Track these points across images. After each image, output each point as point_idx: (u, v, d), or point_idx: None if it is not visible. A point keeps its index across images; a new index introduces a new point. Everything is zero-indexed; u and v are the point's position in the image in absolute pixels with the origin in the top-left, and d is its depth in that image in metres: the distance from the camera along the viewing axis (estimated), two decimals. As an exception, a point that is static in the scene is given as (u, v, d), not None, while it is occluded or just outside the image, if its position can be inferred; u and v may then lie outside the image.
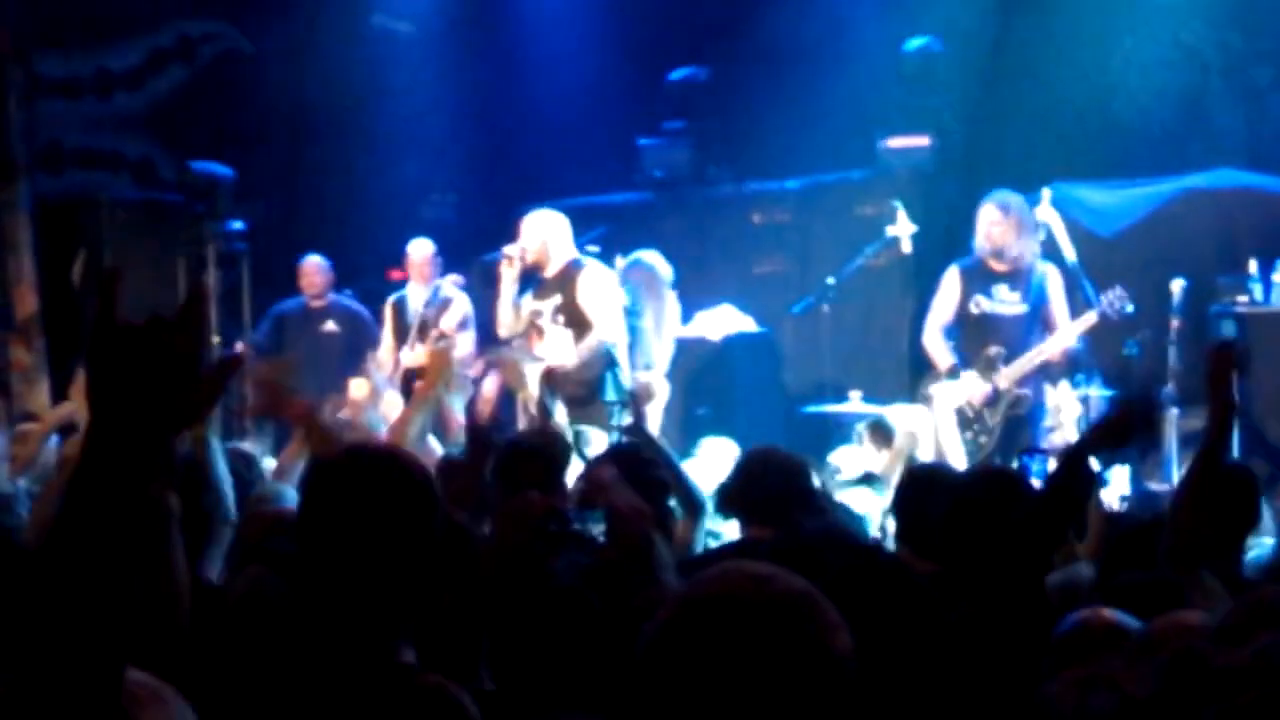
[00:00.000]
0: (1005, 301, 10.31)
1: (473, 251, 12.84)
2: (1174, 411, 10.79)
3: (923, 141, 12.83)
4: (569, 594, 3.98)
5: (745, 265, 13.57)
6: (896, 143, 12.91)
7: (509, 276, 10.52)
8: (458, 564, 3.84)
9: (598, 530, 4.89)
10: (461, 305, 12.03)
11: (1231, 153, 12.77)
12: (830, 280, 11.32)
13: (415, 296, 12.12)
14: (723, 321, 12.59)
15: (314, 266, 12.55)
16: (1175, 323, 10.76)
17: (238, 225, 12.91)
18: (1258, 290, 11.09)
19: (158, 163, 14.01)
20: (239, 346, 12.53)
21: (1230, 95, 13.20)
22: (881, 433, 9.26)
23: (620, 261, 11.70)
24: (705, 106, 13.92)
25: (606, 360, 10.23)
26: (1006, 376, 10.20)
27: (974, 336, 10.41)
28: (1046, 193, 11.55)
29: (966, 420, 10.19)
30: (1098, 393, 10.74)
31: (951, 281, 10.50)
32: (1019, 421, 10.24)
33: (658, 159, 13.97)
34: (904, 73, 13.07)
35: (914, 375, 11.30)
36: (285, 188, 13.97)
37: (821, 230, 13.21)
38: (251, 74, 14.54)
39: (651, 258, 11.85)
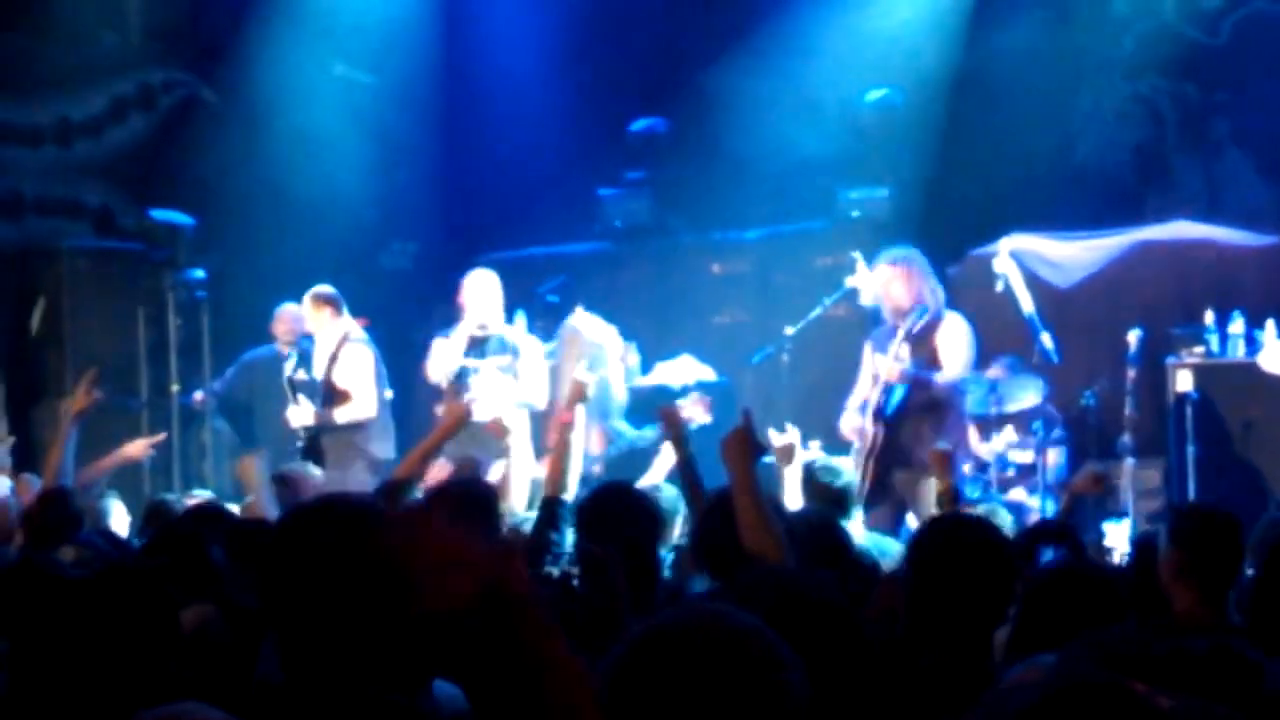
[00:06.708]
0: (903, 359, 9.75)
1: (432, 300, 12.80)
2: (1130, 462, 10.83)
3: (881, 192, 12.88)
4: None
5: (705, 315, 13.62)
6: (855, 193, 12.96)
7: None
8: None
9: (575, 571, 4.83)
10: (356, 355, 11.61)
11: (1188, 204, 12.84)
12: (789, 330, 11.29)
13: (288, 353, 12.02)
14: (682, 371, 12.58)
15: (290, 314, 12.23)
16: (1131, 373, 10.80)
17: (198, 274, 12.76)
18: (1214, 341, 11.16)
19: (117, 211, 13.92)
20: (198, 396, 12.44)
21: (1187, 147, 13.28)
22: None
23: (580, 311, 11.65)
24: (666, 157, 13.98)
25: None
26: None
27: None
28: (1004, 244, 11.62)
29: None
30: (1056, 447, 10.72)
31: (866, 357, 10.13)
32: None
33: (618, 209, 14.01)
34: (863, 124, 13.14)
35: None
36: (246, 236, 13.90)
37: (781, 280, 13.26)
38: (213, 122, 14.50)
39: (579, 320, 11.70)
